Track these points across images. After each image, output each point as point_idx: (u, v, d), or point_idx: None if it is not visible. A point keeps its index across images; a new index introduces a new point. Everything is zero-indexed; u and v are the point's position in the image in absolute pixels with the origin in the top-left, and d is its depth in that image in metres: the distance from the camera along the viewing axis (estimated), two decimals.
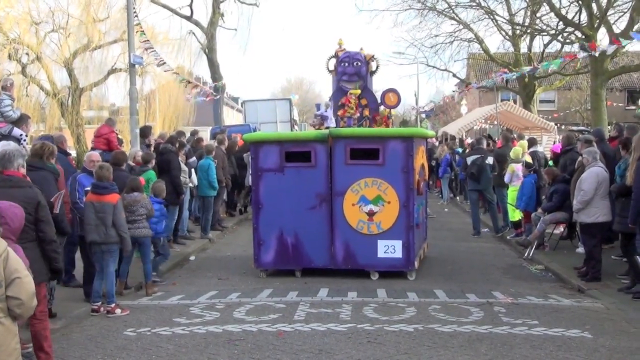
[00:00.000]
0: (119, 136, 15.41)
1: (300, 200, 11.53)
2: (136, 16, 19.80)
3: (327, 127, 12.61)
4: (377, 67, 13.67)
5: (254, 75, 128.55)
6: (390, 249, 11.32)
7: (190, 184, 15.78)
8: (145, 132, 15.29)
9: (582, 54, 20.33)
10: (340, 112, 13.24)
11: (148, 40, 22.51)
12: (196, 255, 14.29)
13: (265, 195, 11.71)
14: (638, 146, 9.36)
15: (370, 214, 11.34)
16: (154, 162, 13.09)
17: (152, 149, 14.87)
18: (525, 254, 13.48)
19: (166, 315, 9.21)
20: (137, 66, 18.86)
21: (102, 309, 9.31)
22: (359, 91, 13.19)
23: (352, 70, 13.20)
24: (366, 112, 13.23)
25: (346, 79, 13.23)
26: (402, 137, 11.46)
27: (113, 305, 9.31)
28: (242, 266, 12.76)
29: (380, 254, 11.36)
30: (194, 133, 19.31)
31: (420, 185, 11.97)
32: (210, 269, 12.82)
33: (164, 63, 24.64)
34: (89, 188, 9.54)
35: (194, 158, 15.74)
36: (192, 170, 15.77)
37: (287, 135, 12.71)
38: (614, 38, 20.33)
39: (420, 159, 12.34)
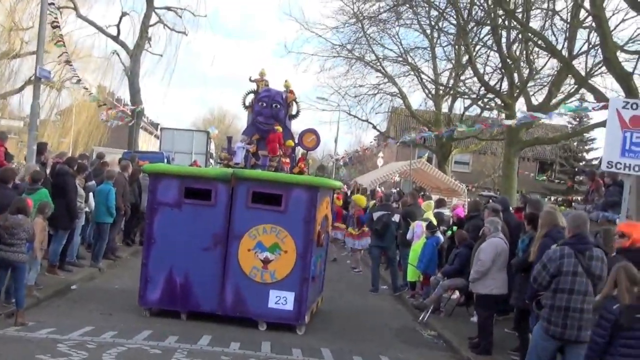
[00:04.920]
0: (9, 152, 14.64)
1: (195, 239, 11.02)
2: (57, 27, 19.10)
3: (236, 163, 12.16)
4: (297, 112, 13.27)
5: (177, 104, 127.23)
6: (281, 300, 10.90)
7: (87, 209, 15.10)
8: (41, 149, 14.54)
9: (495, 126, 20.63)
10: (253, 149, 12.72)
11: (66, 52, 21.75)
12: (83, 285, 13.53)
13: (159, 231, 11.15)
14: (546, 223, 9.24)
15: (266, 261, 10.93)
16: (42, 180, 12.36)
17: (50, 168, 14.23)
18: (420, 318, 13.25)
19: (30, 350, 8.51)
20: (55, 80, 18.20)
21: None
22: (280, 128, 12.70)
23: (268, 112, 12.62)
24: (281, 152, 12.78)
25: (262, 120, 12.70)
26: (308, 186, 11.14)
27: None
28: (127, 301, 12.05)
29: (271, 304, 10.92)
30: (100, 156, 18.62)
31: (320, 237, 11.64)
32: (92, 301, 12.10)
33: (79, 79, 23.80)
34: None
35: (93, 182, 15.09)
36: (90, 194, 15.11)
37: (189, 171, 12.19)
38: (530, 115, 20.72)
39: (324, 210, 12.02)
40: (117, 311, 11.42)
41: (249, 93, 12.97)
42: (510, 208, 14.18)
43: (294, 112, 13.18)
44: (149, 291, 11.18)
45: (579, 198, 43.03)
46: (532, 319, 9.57)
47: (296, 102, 13.17)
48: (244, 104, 13.03)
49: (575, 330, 7.31)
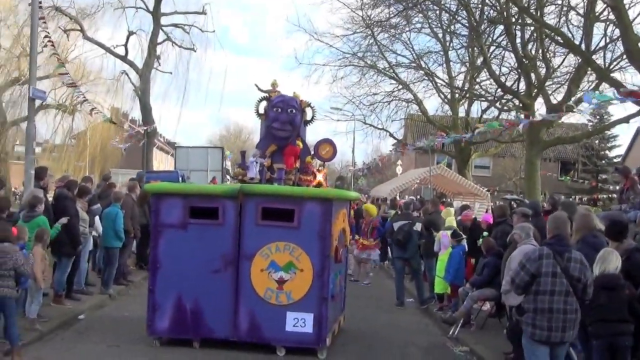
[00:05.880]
0: None
1: (203, 261, 10.27)
2: (52, 44, 18.62)
3: (251, 178, 11.45)
4: (312, 117, 12.54)
5: (193, 122, 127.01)
6: (300, 323, 10.12)
7: (95, 233, 14.49)
8: (40, 173, 13.86)
9: (523, 122, 19.91)
10: (267, 162, 11.99)
11: (67, 73, 21.25)
12: (91, 314, 12.82)
13: (165, 254, 10.41)
14: (581, 227, 8.49)
15: (281, 282, 10.15)
16: (42, 206, 11.67)
17: (54, 193, 13.62)
18: (450, 332, 12.42)
19: None
20: (68, 103, 17.75)
21: None
22: (301, 144, 12.03)
23: (285, 117, 11.77)
24: (296, 164, 12.03)
25: (277, 126, 11.83)
26: (321, 198, 10.37)
27: None
28: (137, 330, 11.22)
29: (289, 327, 10.13)
30: (106, 177, 18.00)
31: (338, 252, 10.88)
32: (100, 332, 11.37)
33: (85, 99, 23.30)
34: None
35: (98, 205, 14.44)
36: (97, 218, 14.47)
37: (193, 189, 11.42)
38: (563, 105, 20.04)
39: (341, 224, 11.24)
40: (126, 342, 10.71)
41: (261, 100, 12.24)
42: None
43: (309, 117, 12.45)
44: (158, 319, 10.45)
45: (605, 196, 42.19)
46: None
47: (311, 107, 12.43)
48: (257, 111, 12.30)
49: (560, 331, 7.18)
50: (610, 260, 7.73)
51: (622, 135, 55.79)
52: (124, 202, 15.33)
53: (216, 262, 10.29)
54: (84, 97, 23.94)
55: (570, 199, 34.15)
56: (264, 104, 12.18)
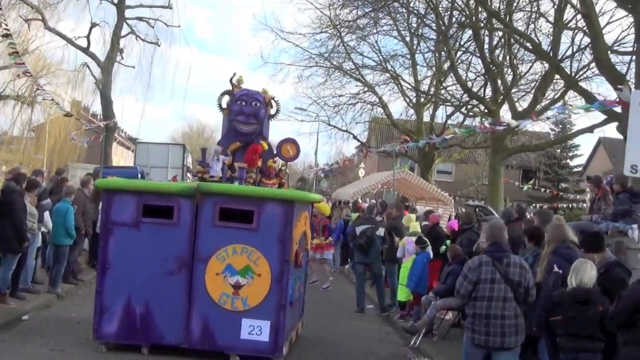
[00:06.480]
0: None
1: (155, 263, 9.71)
2: (8, 35, 17.91)
3: (211, 177, 10.94)
4: (277, 111, 12.04)
5: (156, 119, 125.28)
6: (256, 330, 9.61)
7: (44, 229, 13.84)
8: None
9: (497, 127, 19.67)
10: (228, 161, 11.46)
11: (23, 63, 20.50)
12: (37, 314, 12.19)
13: (115, 254, 9.83)
14: (553, 239, 8.13)
15: (237, 286, 9.63)
16: None
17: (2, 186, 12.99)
18: (412, 342, 12.02)
19: None
20: (27, 95, 17.07)
21: None
22: (266, 146, 11.54)
23: (249, 110, 11.27)
24: (259, 163, 11.51)
25: (242, 119, 11.27)
26: (282, 200, 9.89)
27: None
28: (83, 333, 10.63)
29: (244, 334, 9.62)
30: (59, 172, 17.32)
31: (299, 257, 10.41)
32: (44, 334, 10.74)
33: (41, 88, 22.57)
34: None
35: (48, 200, 13.80)
36: (47, 213, 13.82)
37: (148, 186, 10.80)
38: (533, 113, 19.89)
39: (302, 226, 10.74)
40: (71, 345, 10.12)
41: (224, 93, 11.71)
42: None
43: (273, 112, 11.96)
44: (105, 323, 9.85)
45: (565, 205, 42.32)
46: (541, 346, 8.50)
47: (275, 101, 11.92)
48: (220, 105, 11.77)
49: (498, 337, 7.30)
50: (585, 270, 7.37)
51: (584, 145, 56.23)
52: (75, 197, 14.72)
53: (169, 264, 9.74)
54: (40, 86, 23.11)
55: (531, 207, 34.14)
56: (227, 97, 11.68)
